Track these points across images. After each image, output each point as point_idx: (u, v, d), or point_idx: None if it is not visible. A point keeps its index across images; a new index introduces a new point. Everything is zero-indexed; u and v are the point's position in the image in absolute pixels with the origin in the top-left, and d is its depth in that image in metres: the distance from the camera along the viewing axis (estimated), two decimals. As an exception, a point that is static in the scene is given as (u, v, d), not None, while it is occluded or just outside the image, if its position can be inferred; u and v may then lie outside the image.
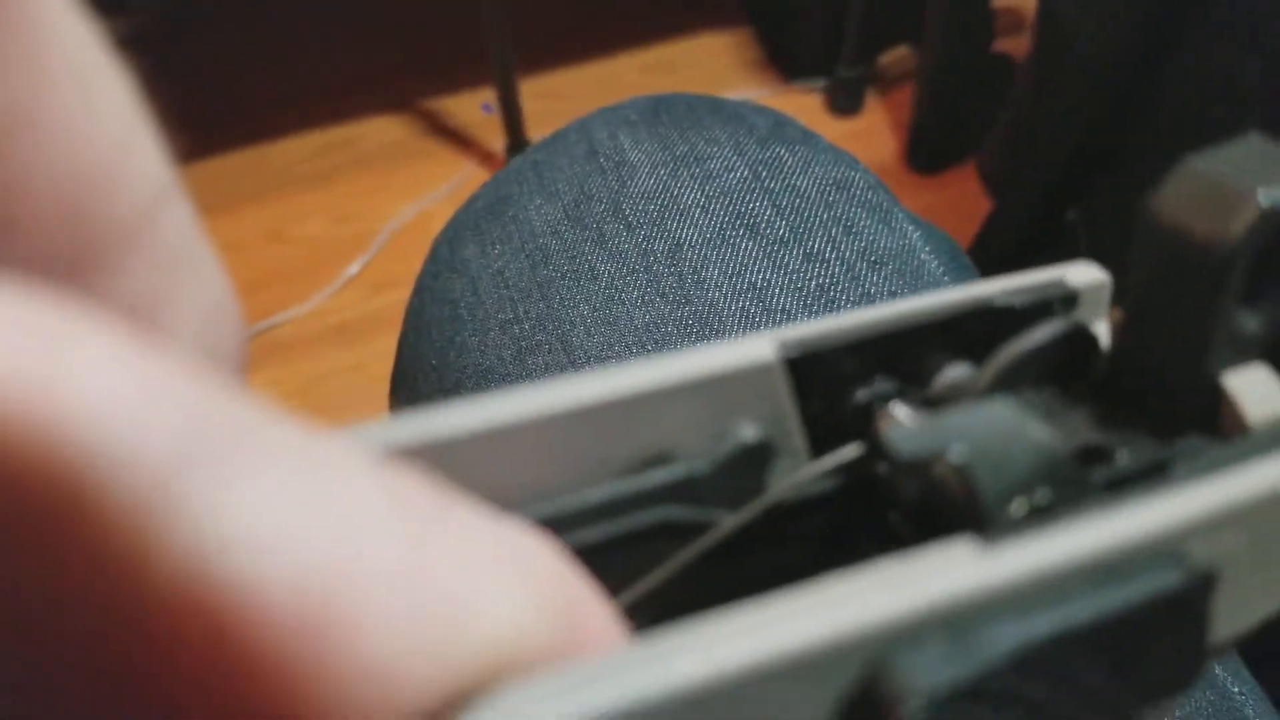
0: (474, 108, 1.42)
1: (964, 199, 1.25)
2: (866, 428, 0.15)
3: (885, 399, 0.15)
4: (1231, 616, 0.14)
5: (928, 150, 1.33)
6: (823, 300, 0.35)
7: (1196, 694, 0.31)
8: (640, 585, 0.14)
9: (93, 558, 0.06)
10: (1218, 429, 0.14)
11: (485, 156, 1.38)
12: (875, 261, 0.37)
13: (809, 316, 0.35)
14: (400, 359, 0.43)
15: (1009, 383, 0.15)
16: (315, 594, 0.07)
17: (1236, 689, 0.32)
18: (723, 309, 0.35)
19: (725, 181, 0.39)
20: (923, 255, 0.38)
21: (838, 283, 0.36)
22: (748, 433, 0.15)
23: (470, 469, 0.12)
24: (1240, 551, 0.13)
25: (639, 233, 0.38)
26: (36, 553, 0.06)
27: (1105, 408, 0.15)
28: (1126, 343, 0.15)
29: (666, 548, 0.14)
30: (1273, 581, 0.15)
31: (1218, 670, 0.32)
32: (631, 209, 0.38)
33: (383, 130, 1.42)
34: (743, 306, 0.35)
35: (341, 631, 0.07)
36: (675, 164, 0.39)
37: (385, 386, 1.20)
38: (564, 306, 0.36)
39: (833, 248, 0.37)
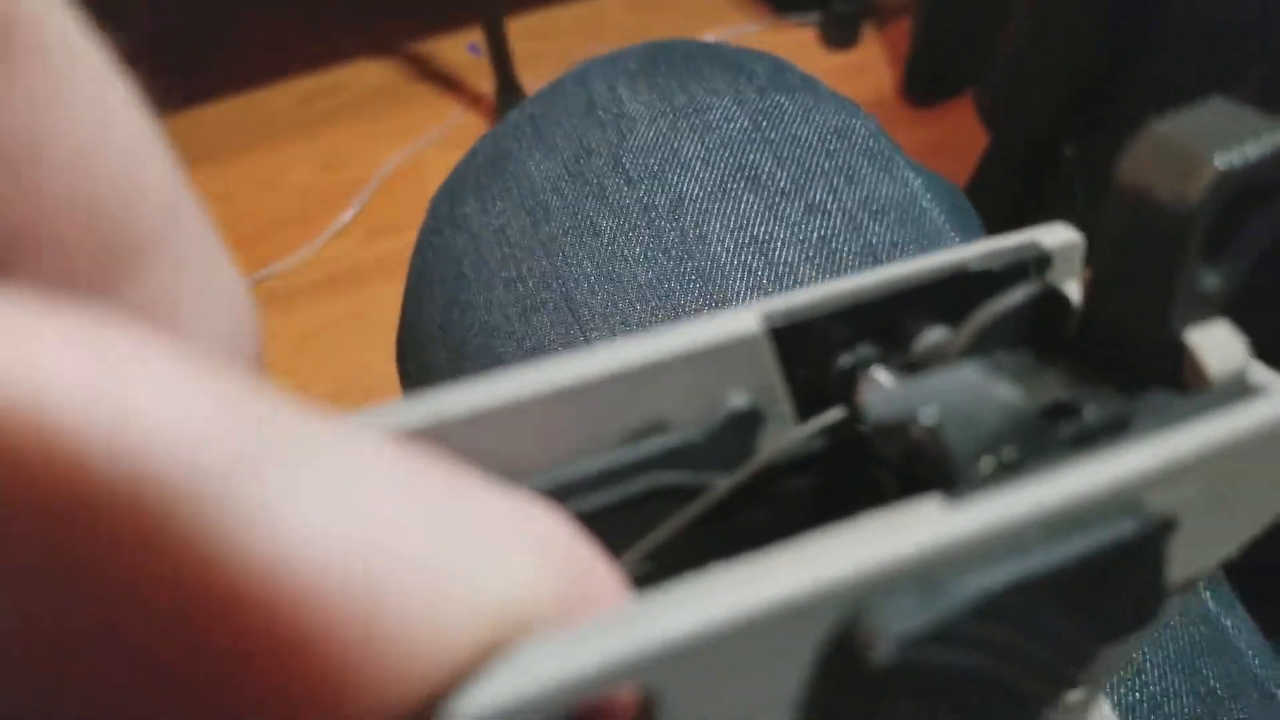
0: (461, 50, 1.41)
1: (962, 132, 1.24)
2: (850, 391, 0.16)
3: (867, 364, 0.16)
4: (1190, 558, 0.15)
5: (925, 82, 1.31)
6: (825, 252, 0.35)
7: (1190, 628, 0.32)
8: (641, 545, 0.15)
9: (171, 558, 0.07)
10: (1181, 383, 0.15)
11: (474, 99, 1.36)
12: (877, 211, 0.37)
13: (811, 269, 0.35)
14: (405, 316, 0.43)
15: (985, 344, 0.16)
16: (358, 578, 0.08)
17: (1229, 622, 0.32)
18: (725, 264, 0.35)
19: (725, 132, 0.39)
20: (924, 203, 0.38)
21: (839, 233, 0.36)
22: (737, 400, 0.15)
23: (477, 444, 0.13)
24: (1197, 499, 0.14)
25: (640, 187, 0.37)
26: (123, 555, 0.07)
27: (1076, 364, 0.16)
28: (1095, 302, 0.16)
29: (664, 510, 0.15)
30: (1228, 526, 0.16)
31: (1210, 605, 0.33)
32: (632, 163, 0.38)
33: (369, 75, 1.40)
34: (745, 261, 0.35)
35: (380, 608, 0.08)
36: (675, 115, 0.39)
37: (384, 333, 1.20)
38: (567, 264, 0.36)
39: (834, 198, 0.37)
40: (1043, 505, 0.12)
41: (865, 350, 0.16)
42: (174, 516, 0.07)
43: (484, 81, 1.33)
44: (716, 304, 0.34)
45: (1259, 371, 0.15)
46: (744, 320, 0.15)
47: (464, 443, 0.13)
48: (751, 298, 0.35)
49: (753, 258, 0.35)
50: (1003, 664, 0.12)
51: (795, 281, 0.35)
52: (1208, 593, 0.33)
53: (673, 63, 0.42)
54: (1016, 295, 0.16)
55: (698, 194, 0.37)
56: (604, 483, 0.15)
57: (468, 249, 0.39)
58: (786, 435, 0.16)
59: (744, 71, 0.41)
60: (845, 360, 0.16)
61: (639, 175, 0.38)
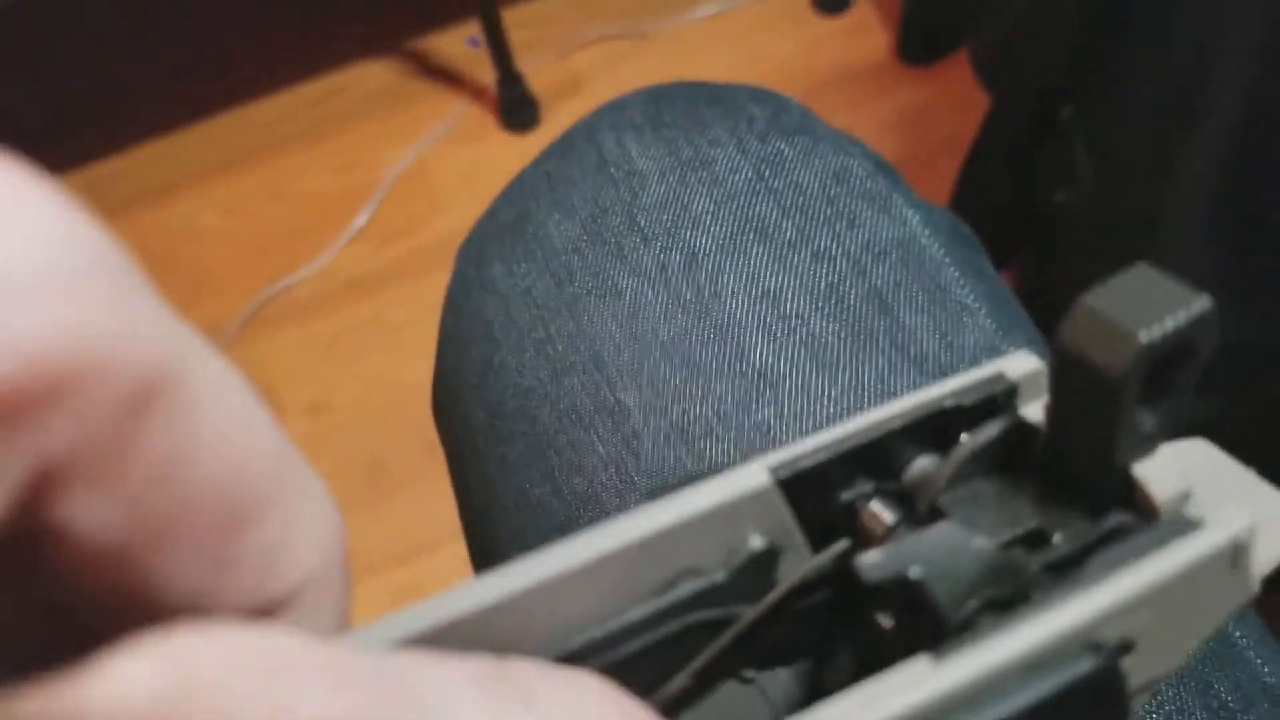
0: (460, 43, 1.41)
1: (959, 90, 1.25)
2: (853, 521, 0.19)
3: (866, 497, 0.19)
4: (1147, 668, 0.18)
5: (920, 41, 1.32)
6: (833, 300, 0.38)
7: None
8: (683, 675, 0.18)
9: None
10: (1135, 507, 0.18)
11: (477, 91, 1.38)
12: (879, 253, 0.39)
13: (822, 318, 0.37)
14: (440, 372, 0.45)
15: (964, 473, 0.19)
16: None
17: (1238, 633, 0.34)
18: (741, 318, 0.37)
19: (732, 185, 0.41)
20: (923, 240, 0.40)
21: (845, 279, 0.38)
22: (755, 543, 0.18)
23: (534, 613, 0.16)
24: (1149, 623, 0.17)
25: (655, 245, 0.40)
26: None
27: (1044, 488, 0.19)
28: (1053, 439, 0.18)
29: (700, 642, 0.18)
30: (1179, 636, 0.18)
31: None
32: (646, 220, 0.40)
33: (370, 76, 1.41)
34: (759, 314, 0.37)
35: None
36: (683, 169, 0.41)
37: (403, 336, 1.22)
38: (592, 324, 0.39)
39: (838, 243, 0.39)
40: (1016, 654, 0.15)
41: (863, 484, 0.19)
42: None
43: (485, 73, 1.34)
44: (736, 356, 0.37)
45: (1199, 500, 0.18)
46: (755, 476, 0.18)
47: (521, 614, 0.16)
48: (768, 349, 0.37)
49: (766, 311, 0.37)
50: None
51: (807, 331, 0.37)
52: None
53: (675, 112, 0.44)
54: (987, 431, 0.19)
55: (710, 248, 0.39)
56: (645, 628, 0.17)
57: (497, 312, 0.41)
58: (800, 566, 0.18)
59: (744, 116, 0.43)
60: (846, 495, 0.19)
61: (654, 233, 0.40)
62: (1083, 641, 0.16)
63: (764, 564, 0.18)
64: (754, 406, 0.36)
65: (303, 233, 1.28)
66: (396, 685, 0.10)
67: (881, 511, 0.19)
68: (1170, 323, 0.16)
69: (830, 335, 0.37)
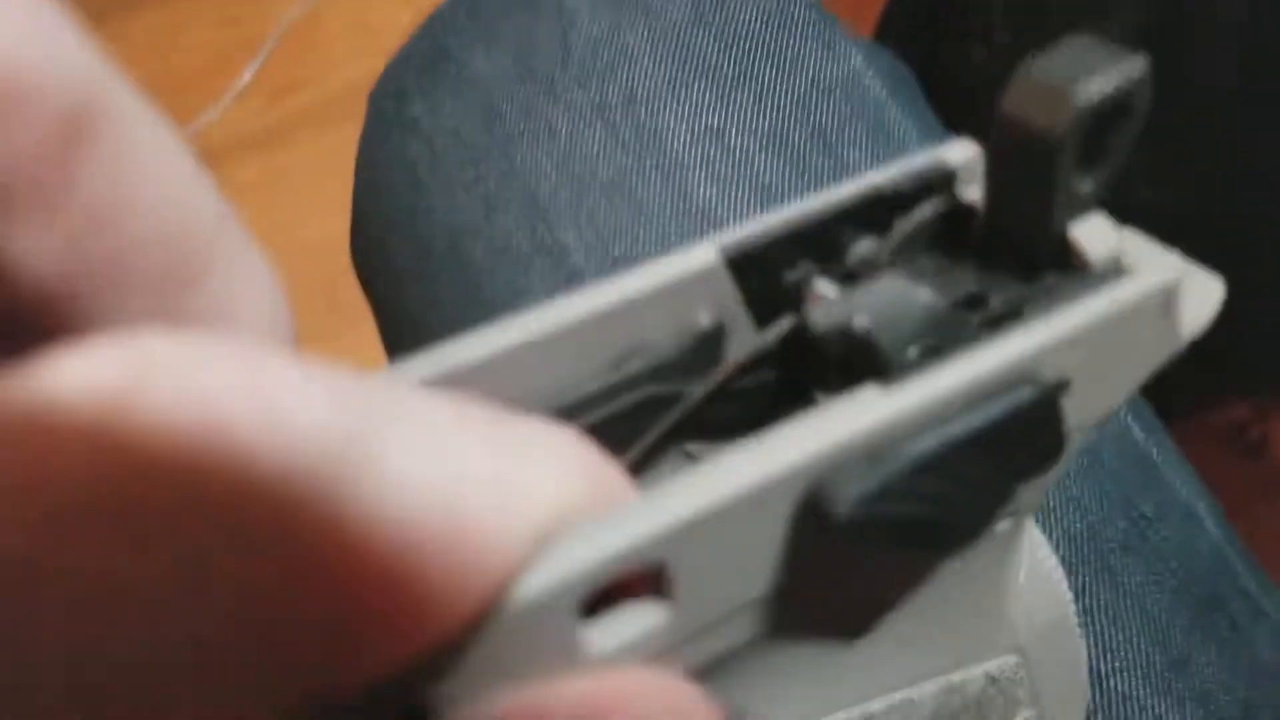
0: (350, -117, 1.32)
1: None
2: (798, 301, 0.19)
3: (810, 277, 0.19)
4: (1083, 409, 0.19)
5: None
6: (777, 139, 0.37)
7: (1121, 458, 0.36)
8: (640, 444, 0.18)
9: (314, 523, 0.09)
10: (1069, 268, 0.19)
11: (369, -61, 1.30)
12: (823, 91, 0.38)
13: (767, 156, 0.36)
14: (359, 218, 0.43)
15: (906, 251, 0.19)
16: (443, 505, 0.10)
17: (1155, 450, 0.36)
18: (684, 157, 0.36)
19: (669, 20, 0.39)
20: (866, 79, 0.39)
21: (789, 118, 0.37)
22: (704, 320, 0.18)
23: (484, 388, 0.16)
24: (1084, 363, 0.18)
25: (590, 84, 0.38)
26: (279, 525, 0.09)
27: (982, 259, 0.19)
28: (992, 210, 0.19)
29: (650, 419, 0.18)
30: (1113, 380, 0.19)
31: (1139, 436, 0.37)
32: (580, 58, 0.38)
33: (255, -82, 1.31)
34: (703, 153, 0.36)
35: (462, 526, 0.10)
36: (616, 4, 0.39)
37: (299, 191, 1.17)
38: (525, 164, 0.37)
39: (781, 81, 0.38)
40: (958, 384, 0.16)
41: (807, 265, 0.19)
42: (317, 490, 0.09)
43: (377, -81, 1.26)
44: (679, 196, 0.36)
45: (1132, 252, 0.19)
46: (703, 254, 0.18)
47: (472, 388, 0.16)
48: (711, 189, 0.36)
49: (710, 148, 0.36)
50: (937, 509, 0.16)
51: (752, 169, 0.36)
52: (1136, 426, 0.37)
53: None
54: (925, 209, 0.19)
55: (649, 86, 0.38)
56: (598, 402, 0.18)
57: (422, 152, 0.39)
58: (749, 343, 0.19)
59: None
60: (791, 275, 0.19)
61: (588, 71, 0.38)
62: (1022, 375, 0.17)
63: (712, 342, 0.18)
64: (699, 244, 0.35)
65: (188, 86, 1.20)
66: (379, 393, 0.10)
67: (826, 288, 0.19)
68: (1106, 82, 0.16)
69: (774, 174, 0.36)
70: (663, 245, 0.35)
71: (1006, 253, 0.19)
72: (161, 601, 0.09)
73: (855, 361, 0.17)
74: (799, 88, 0.38)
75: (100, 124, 0.11)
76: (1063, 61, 0.17)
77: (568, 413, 0.17)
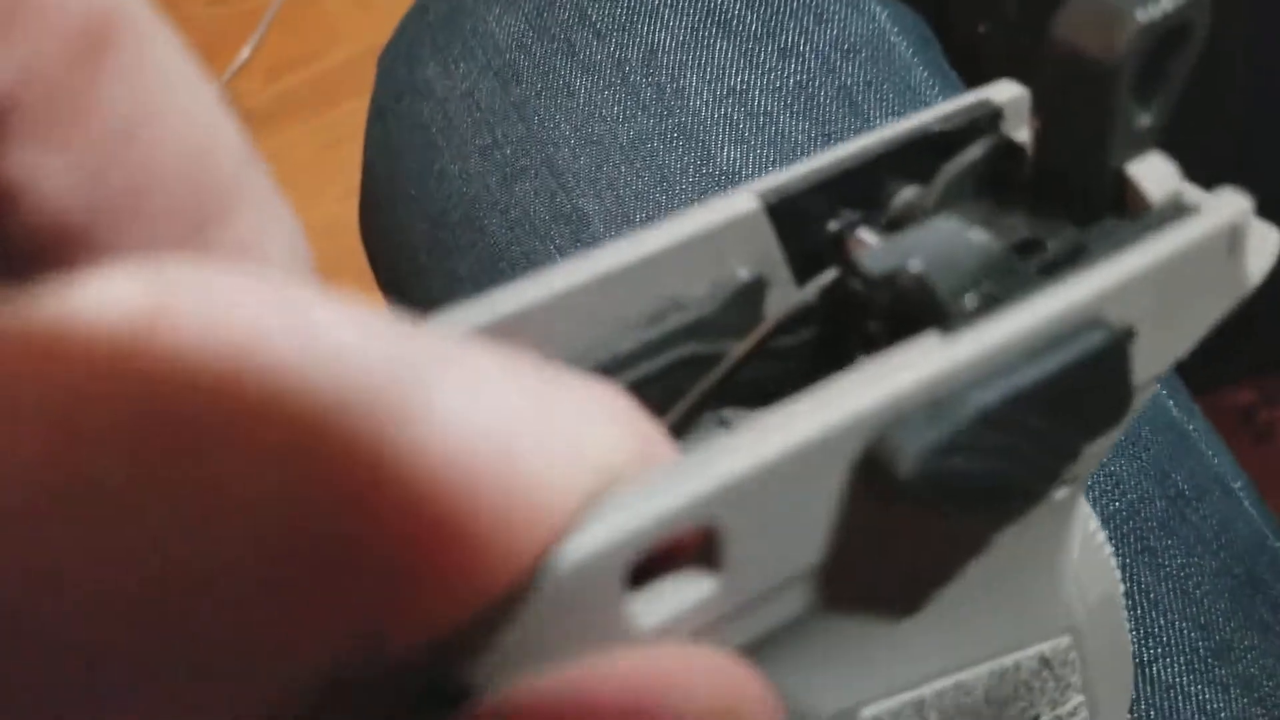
0: None
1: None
2: (841, 253, 0.18)
3: (852, 226, 0.18)
4: (1150, 360, 0.17)
5: None
6: (802, 99, 0.35)
7: (1158, 436, 0.35)
8: (676, 408, 0.17)
9: (368, 453, 0.09)
10: (1126, 210, 0.17)
11: (366, -87, 1.27)
12: (848, 50, 0.37)
13: (791, 117, 0.35)
14: (370, 186, 0.42)
15: (952, 196, 0.18)
16: (495, 451, 0.09)
17: (1191, 426, 0.35)
18: (706, 118, 0.35)
19: (689, -26, 0.37)
20: (893, 38, 0.38)
21: (815, 77, 0.36)
22: (742, 273, 0.17)
23: (518, 342, 0.15)
24: (1150, 309, 0.17)
25: (609, 40, 0.37)
26: (336, 456, 0.08)
27: (1034, 204, 0.18)
28: (1043, 147, 0.18)
29: (689, 378, 0.17)
30: (1179, 328, 0.18)
31: (1174, 412, 0.36)
32: (598, 13, 0.37)
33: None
34: (726, 114, 0.35)
35: (513, 473, 0.09)
36: (634, -42, 0.38)
37: (300, 173, 1.15)
38: (543, 127, 0.36)
39: (806, 39, 0.37)
40: (1022, 329, 0.15)
41: (849, 214, 0.18)
42: (364, 419, 0.08)
43: (373, -108, 1.24)
44: (701, 160, 0.35)
45: (1191, 194, 0.18)
46: (742, 201, 0.17)
47: (505, 342, 0.15)
48: (735, 151, 0.35)
49: (733, 110, 0.35)
50: (1002, 466, 0.15)
51: (776, 131, 0.35)
52: (1171, 401, 0.36)
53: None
54: (974, 150, 0.18)
55: (670, 43, 0.36)
56: (633, 361, 0.16)
57: (434, 116, 0.38)
58: (789, 298, 0.18)
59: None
60: (833, 225, 0.18)
61: (607, 27, 0.37)
62: (1089, 321, 0.15)
63: (751, 296, 0.17)
64: (722, 211, 0.34)
65: (183, 66, 1.18)
66: (425, 335, 0.10)
67: (869, 237, 0.18)
68: (1167, 2, 0.15)
69: (799, 135, 0.35)
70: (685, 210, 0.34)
71: (1060, 195, 0.18)
72: (191, 529, 0.08)
73: (908, 310, 0.16)
74: (824, 46, 0.36)
75: (122, 37, 0.11)
76: None
77: (603, 371, 0.16)
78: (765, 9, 0.37)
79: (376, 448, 0.08)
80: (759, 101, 0.35)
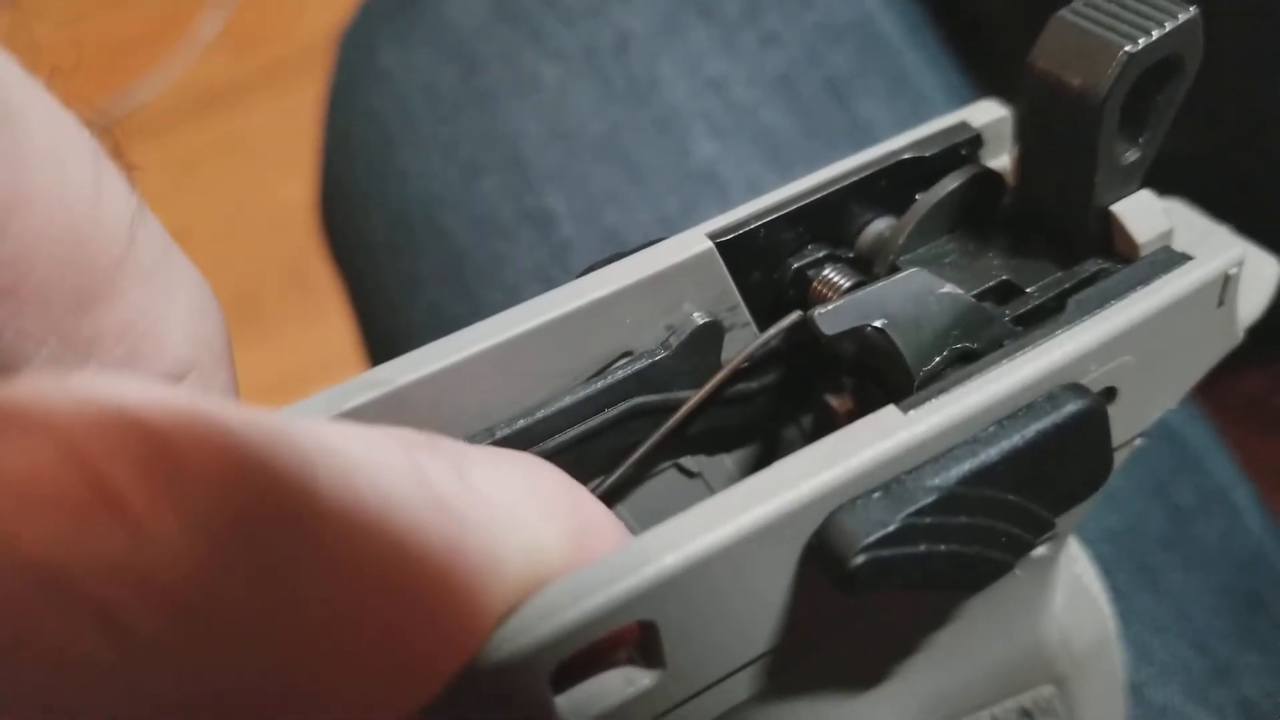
0: None
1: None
2: (804, 291, 0.17)
3: (818, 264, 0.17)
4: (1130, 421, 0.16)
5: None
6: (786, 91, 0.33)
7: (1156, 445, 0.33)
8: (629, 461, 0.16)
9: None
10: (1112, 251, 0.16)
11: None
12: (835, 38, 0.34)
13: (773, 110, 0.33)
14: (327, 180, 0.40)
15: (925, 232, 0.17)
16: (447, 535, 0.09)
17: (1189, 432, 0.33)
18: (682, 110, 0.33)
19: (664, -46, 0.35)
20: (881, 23, 0.35)
21: (798, 66, 0.34)
22: (697, 317, 0.16)
23: (461, 393, 0.15)
24: (1132, 366, 0.15)
25: (579, 25, 0.34)
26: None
27: (1013, 240, 0.17)
28: (1024, 182, 0.17)
29: (640, 427, 0.16)
30: (1163, 385, 0.17)
31: (1171, 418, 0.34)
32: (566, -3, 0.35)
33: None
34: (704, 107, 0.33)
35: (464, 564, 0.10)
36: (605, -63, 0.35)
37: (270, 151, 1.12)
38: (508, 121, 0.34)
39: (788, 24, 0.34)
40: (990, 399, 0.14)
41: (814, 249, 0.17)
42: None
43: None
44: (677, 155, 0.32)
45: (1182, 234, 0.16)
46: (692, 241, 0.16)
47: (449, 394, 0.14)
48: (713, 145, 0.32)
49: (711, 101, 0.33)
50: (966, 546, 0.14)
51: (758, 124, 0.33)
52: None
53: None
54: (951, 183, 0.17)
55: (644, 29, 0.34)
56: (581, 414, 0.16)
57: (392, 108, 0.36)
58: (748, 344, 0.17)
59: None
60: (795, 262, 0.17)
61: (576, 12, 0.34)
62: (1065, 383, 0.14)
63: (707, 341, 0.17)
64: (698, 209, 0.32)
65: (149, 41, 1.15)
66: (305, 439, 0.09)
67: (836, 277, 0.17)
68: (1155, 32, 0.15)
69: (781, 128, 0.33)
70: (659, 210, 0.32)
71: (1040, 232, 0.17)
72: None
73: (872, 364, 0.15)
74: (808, 31, 0.34)
75: None
76: (1100, 10, 0.15)
77: (546, 427, 0.16)
78: (746, -8, 0.35)
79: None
80: (738, 92, 0.33)
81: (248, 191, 1.08)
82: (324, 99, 0.40)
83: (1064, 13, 0.15)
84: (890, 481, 0.13)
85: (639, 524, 0.16)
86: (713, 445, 0.18)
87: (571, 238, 0.32)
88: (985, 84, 0.40)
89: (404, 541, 0.09)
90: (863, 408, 0.16)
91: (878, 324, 0.15)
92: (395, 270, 0.35)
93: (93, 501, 0.07)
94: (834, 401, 0.17)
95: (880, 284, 0.15)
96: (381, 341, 0.37)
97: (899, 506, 0.13)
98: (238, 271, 1.04)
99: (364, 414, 0.13)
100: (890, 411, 0.14)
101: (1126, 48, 0.14)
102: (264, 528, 0.08)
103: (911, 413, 0.13)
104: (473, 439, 0.15)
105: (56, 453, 0.07)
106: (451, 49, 0.35)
